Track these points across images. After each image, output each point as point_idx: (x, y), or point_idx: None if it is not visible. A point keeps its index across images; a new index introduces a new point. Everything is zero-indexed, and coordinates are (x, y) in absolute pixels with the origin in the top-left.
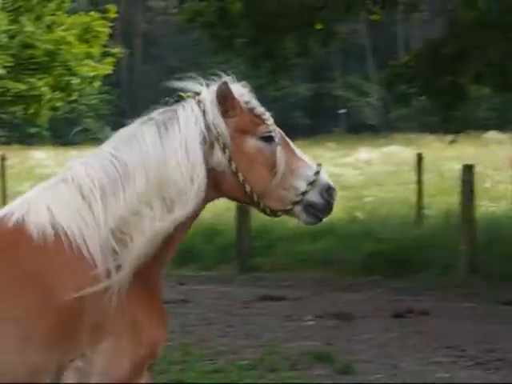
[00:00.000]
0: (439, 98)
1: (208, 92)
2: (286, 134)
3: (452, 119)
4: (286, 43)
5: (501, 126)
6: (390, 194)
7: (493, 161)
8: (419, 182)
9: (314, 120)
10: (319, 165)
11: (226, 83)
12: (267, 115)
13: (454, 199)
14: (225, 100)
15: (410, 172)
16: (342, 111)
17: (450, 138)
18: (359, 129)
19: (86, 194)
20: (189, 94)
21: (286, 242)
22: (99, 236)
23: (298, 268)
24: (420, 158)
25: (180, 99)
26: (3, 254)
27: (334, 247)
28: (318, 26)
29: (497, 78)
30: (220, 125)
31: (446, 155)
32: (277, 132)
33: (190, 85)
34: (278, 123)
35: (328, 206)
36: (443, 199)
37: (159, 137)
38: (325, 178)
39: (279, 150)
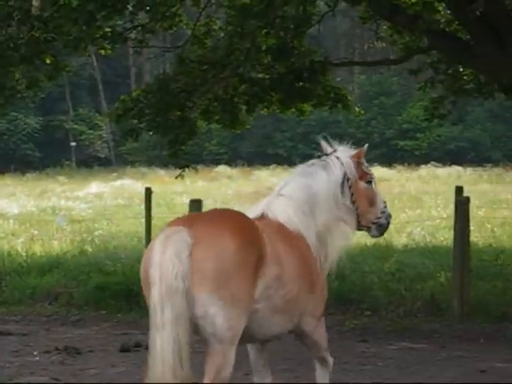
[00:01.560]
0: (168, 133)
1: (343, 151)
2: (16, 167)
3: (180, 154)
4: (15, 75)
5: (230, 161)
6: (119, 227)
7: (222, 194)
8: (148, 215)
9: (45, 153)
10: (385, 201)
11: (363, 149)
12: (369, 168)
13: None
14: (359, 160)
15: (140, 206)
16: (73, 144)
17: (178, 173)
18: (90, 162)
19: (300, 206)
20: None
21: (14, 276)
22: (313, 234)
23: (26, 302)
24: (149, 191)
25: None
26: (288, 238)
27: (62, 281)
28: (47, 59)
29: (223, 113)
30: (354, 175)
31: (177, 190)
32: (373, 177)
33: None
34: (8, 156)
35: (388, 226)
36: None
37: (326, 176)
38: (388, 209)
39: (375, 190)
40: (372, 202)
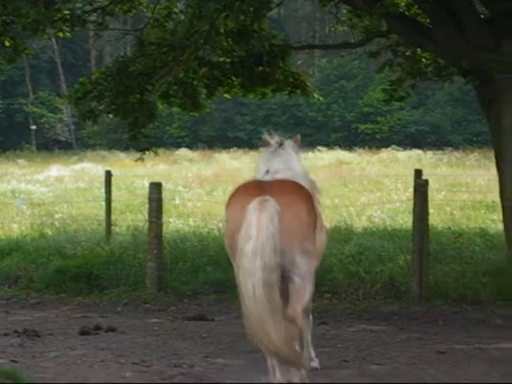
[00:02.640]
0: (127, 116)
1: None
2: None
3: (140, 137)
4: None
5: (191, 144)
6: (80, 210)
7: (183, 178)
8: (108, 199)
9: (4, 136)
10: None
11: (298, 138)
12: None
13: (142, 216)
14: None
15: (100, 189)
16: (33, 127)
17: (138, 156)
18: (51, 146)
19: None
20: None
21: None
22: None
23: None
24: (109, 175)
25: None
26: (302, 193)
27: (22, 264)
28: (6, 42)
29: (183, 97)
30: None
31: (138, 173)
32: None
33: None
34: None
35: None
36: (132, 216)
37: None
38: None
39: None
40: None
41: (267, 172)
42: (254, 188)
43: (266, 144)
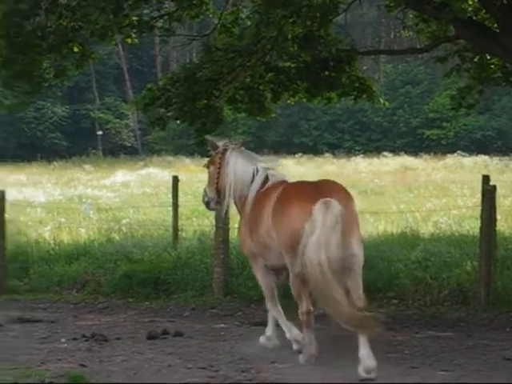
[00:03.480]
0: (194, 121)
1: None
2: (43, 156)
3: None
4: (43, 64)
5: (256, 150)
6: (146, 216)
7: None
8: (175, 204)
9: (71, 142)
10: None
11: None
12: None
13: (209, 222)
14: None
15: (166, 194)
16: (100, 133)
17: (206, 161)
18: (117, 151)
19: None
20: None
21: (41, 263)
22: None
23: (54, 290)
24: (176, 180)
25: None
26: (348, 192)
27: (90, 269)
28: (75, 48)
29: (249, 102)
30: None
31: (203, 178)
32: None
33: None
34: (35, 145)
35: None
36: (198, 222)
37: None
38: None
39: None
40: None
41: (257, 171)
42: (310, 189)
43: (214, 147)
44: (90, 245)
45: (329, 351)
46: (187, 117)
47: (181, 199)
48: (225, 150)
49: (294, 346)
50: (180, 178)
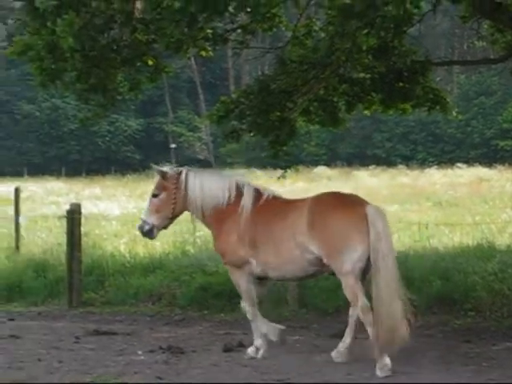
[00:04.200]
0: (268, 134)
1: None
2: (117, 169)
3: (281, 155)
4: (117, 77)
5: (330, 162)
6: None
7: None
8: None
9: (145, 155)
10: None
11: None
12: None
13: None
14: None
15: None
16: (173, 146)
17: (279, 173)
18: (190, 164)
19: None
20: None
21: (117, 276)
22: None
23: (129, 303)
24: None
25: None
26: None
27: (165, 282)
28: (149, 61)
29: (323, 113)
30: None
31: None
32: None
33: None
34: (109, 158)
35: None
36: None
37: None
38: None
39: None
40: None
41: (242, 186)
42: (354, 198)
43: (163, 173)
44: (165, 258)
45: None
46: (261, 129)
47: None
48: (178, 174)
49: (259, 354)
50: None
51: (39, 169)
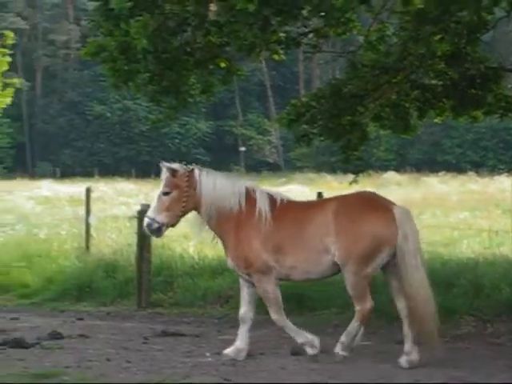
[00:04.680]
0: (340, 138)
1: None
2: None
3: (353, 159)
4: (190, 79)
5: (399, 167)
6: None
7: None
8: None
9: (214, 157)
10: None
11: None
12: None
13: None
14: None
15: None
16: (243, 149)
17: (349, 177)
18: (259, 167)
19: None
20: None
21: (186, 278)
22: None
23: (197, 304)
24: (320, 196)
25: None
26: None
27: (234, 284)
28: (222, 64)
29: (395, 119)
30: None
31: None
32: None
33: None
34: (180, 160)
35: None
36: None
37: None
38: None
39: None
40: None
41: (254, 191)
42: (380, 199)
43: (174, 171)
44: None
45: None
46: (332, 133)
47: None
48: (190, 172)
49: (310, 351)
50: (323, 194)
51: (110, 169)
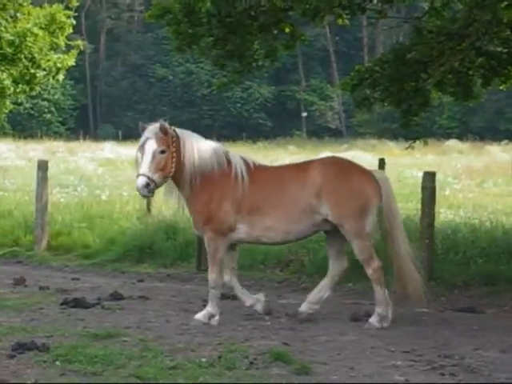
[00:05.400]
0: (401, 103)
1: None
2: (249, 136)
3: (412, 124)
4: (254, 44)
5: (461, 135)
6: None
7: (452, 169)
8: None
9: (276, 122)
10: None
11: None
12: None
13: (413, 205)
14: None
15: None
16: (304, 115)
17: (409, 144)
18: (321, 133)
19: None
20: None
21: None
22: None
23: (257, 268)
24: (382, 162)
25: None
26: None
27: (294, 249)
28: (286, 28)
29: (457, 86)
30: None
31: (406, 162)
32: None
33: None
34: (241, 124)
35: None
36: (402, 205)
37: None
38: None
39: None
40: None
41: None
42: (356, 164)
43: (164, 130)
44: None
45: None
46: (393, 99)
47: None
48: (176, 134)
49: (259, 309)
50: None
51: None
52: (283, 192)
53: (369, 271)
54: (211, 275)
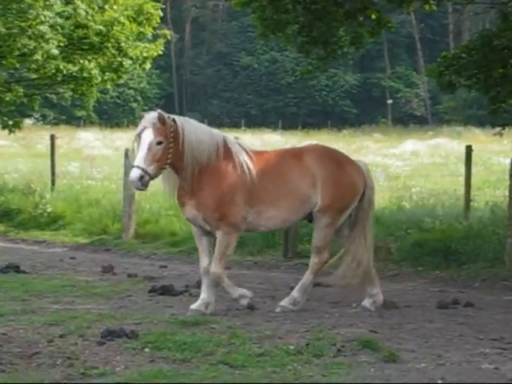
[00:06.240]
0: (489, 90)
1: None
2: (334, 123)
3: (501, 111)
4: (339, 31)
5: None
6: (437, 185)
7: None
8: (468, 174)
9: (361, 110)
10: None
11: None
12: None
13: (500, 192)
14: None
15: (456, 164)
16: (390, 102)
17: (497, 131)
18: (406, 120)
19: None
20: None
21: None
22: None
23: None
24: (469, 150)
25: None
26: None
27: (381, 236)
28: (372, 15)
29: None
30: None
31: (494, 149)
32: None
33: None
34: (326, 112)
35: None
36: (490, 192)
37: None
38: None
39: None
40: None
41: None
42: (338, 153)
43: (163, 119)
44: (380, 212)
45: None
46: (481, 85)
47: (472, 170)
48: (175, 123)
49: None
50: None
51: (256, 120)
52: (285, 182)
53: (315, 259)
54: (218, 270)
